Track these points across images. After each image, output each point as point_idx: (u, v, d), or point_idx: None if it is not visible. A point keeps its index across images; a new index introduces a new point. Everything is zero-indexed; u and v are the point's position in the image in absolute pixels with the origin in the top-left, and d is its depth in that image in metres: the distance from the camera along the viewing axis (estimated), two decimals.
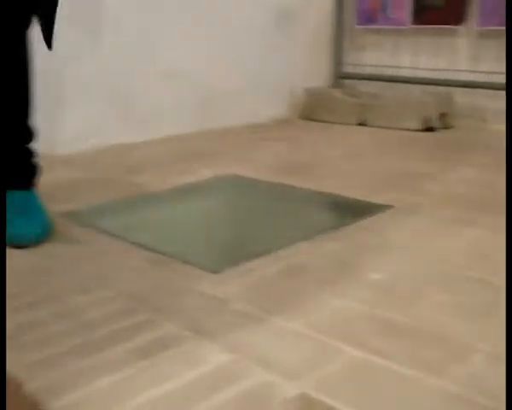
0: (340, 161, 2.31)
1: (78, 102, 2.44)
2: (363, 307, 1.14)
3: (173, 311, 1.14)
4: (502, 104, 2.83)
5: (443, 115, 2.94)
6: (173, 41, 2.65)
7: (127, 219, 1.69)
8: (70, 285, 1.25)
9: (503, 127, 2.75)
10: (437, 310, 1.13)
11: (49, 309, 1.15)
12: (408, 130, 2.86)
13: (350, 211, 1.74)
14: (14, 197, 1.52)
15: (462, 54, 2.98)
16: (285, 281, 1.27)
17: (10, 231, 1.41)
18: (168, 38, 2.64)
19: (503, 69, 2.72)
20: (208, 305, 1.16)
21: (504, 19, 2.66)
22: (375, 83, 3.27)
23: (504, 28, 2.69)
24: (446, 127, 2.93)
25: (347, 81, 3.41)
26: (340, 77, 3.43)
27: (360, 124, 3.07)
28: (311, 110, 3.26)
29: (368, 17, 3.28)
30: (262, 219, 1.69)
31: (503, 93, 2.79)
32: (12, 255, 1.39)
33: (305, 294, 1.20)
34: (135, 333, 1.06)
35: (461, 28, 2.96)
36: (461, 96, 2.97)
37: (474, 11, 2.84)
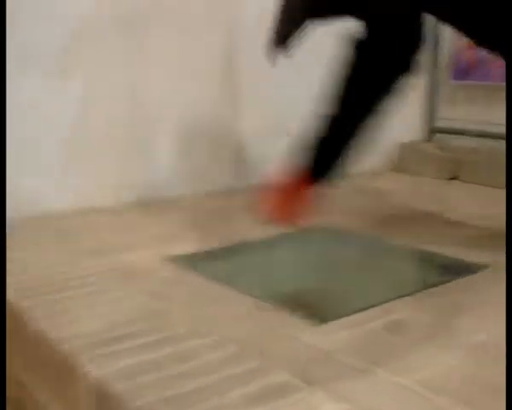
0: (436, 216, 2.32)
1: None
2: (470, 368, 1.16)
3: (282, 359, 1.19)
4: None
5: None
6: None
7: (231, 266, 1.76)
8: (183, 329, 1.32)
9: None
10: None
11: (164, 351, 1.22)
12: (503, 188, 2.83)
13: (447, 269, 1.75)
14: None
15: None
16: (389, 336, 1.30)
17: None
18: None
19: None
20: (316, 355, 1.21)
21: None
22: (468, 138, 3.26)
23: None
24: None
25: (440, 136, 3.42)
26: (434, 131, 3.44)
27: (452, 178, 3.06)
28: (404, 163, 3.28)
29: (464, 72, 3.29)
30: (359, 273, 1.73)
31: None
32: (131, 291, 1.47)
33: (410, 350, 1.23)
34: (248, 379, 1.12)
35: None
36: None
37: None
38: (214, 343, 1.25)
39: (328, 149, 1.71)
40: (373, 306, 1.44)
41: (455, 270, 1.71)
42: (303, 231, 2.06)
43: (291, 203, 1.70)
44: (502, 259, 1.78)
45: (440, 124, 3.44)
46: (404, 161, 3.30)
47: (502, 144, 3.12)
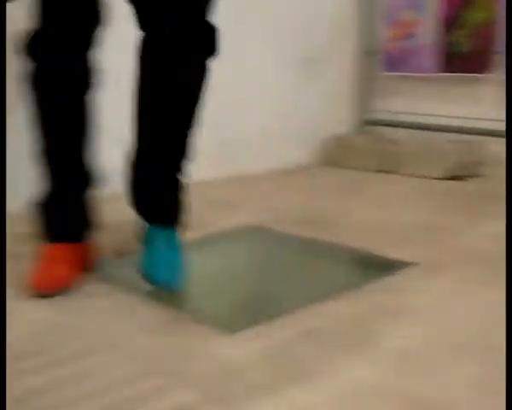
0: (363, 212, 2.27)
1: None
2: (382, 378, 1.10)
3: (188, 376, 1.11)
4: None
5: (471, 164, 2.90)
6: None
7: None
8: (86, 344, 1.23)
9: None
10: (461, 384, 1.09)
11: (64, 371, 1.13)
12: (432, 178, 2.82)
13: (372, 267, 1.71)
14: (158, 234, 1.51)
15: (489, 102, 2.94)
16: (302, 346, 1.23)
17: (145, 268, 1.47)
18: None
19: None
20: (223, 371, 1.13)
21: None
22: (401, 130, 3.24)
23: None
24: (474, 177, 2.89)
25: (373, 128, 3.39)
26: (365, 124, 3.41)
27: (381, 171, 3.03)
28: (334, 156, 3.24)
29: (394, 64, 3.26)
30: (281, 275, 1.66)
31: None
32: (26, 310, 1.37)
33: (321, 362, 1.17)
34: (149, 399, 1.03)
35: (488, 76, 2.93)
36: (491, 146, 2.92)
37: (500, 59, 2.81)
38: (113, 362, 1.16)
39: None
40: (288, 312, 1.37)
41: (382, 268, 1.66)
42: (228, 231, 1.99)
43: (52, 268, 1.51)
44: (431, 254, 1.75)
45: (372, 116, 3.41)
46: (335, 153, 3.26)
47: (434, 135, 3.13)
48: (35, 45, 1.47)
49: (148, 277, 1.47)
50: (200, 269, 1.69)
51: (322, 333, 1.29)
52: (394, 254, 1.75)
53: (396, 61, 3.26)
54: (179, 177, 1.53)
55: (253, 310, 1.42)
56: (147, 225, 1.55)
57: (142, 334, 1.28)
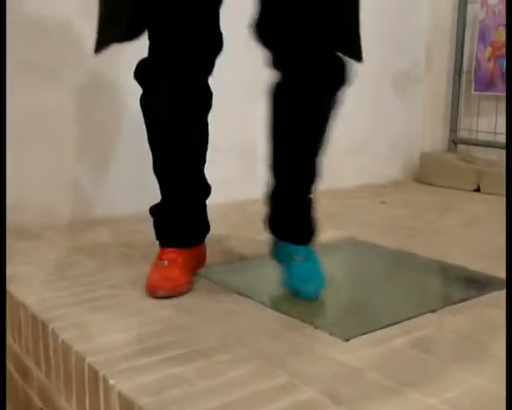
0: (460, 229, 2.30)
1: None
2: (499, 387, 1.15)
3: (310, 376, 1.18)
4: None
5: None
6: None
7: (256, 278, 1.76)
8: (207, 344, 1.32)
9: None
10: None
11: (191, 366, 1.22)
12: None
13: (474, 284, 1.74)
14: (299, 251, 1.62)
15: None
16: (416, 353, 1.29)
17: (294, 283, 1.57)
18: None
19: None
20: (343, 373, 1.20)
21: None
22: (490, 150, 3.24)
23: None
24: None
25: (464, 147, 3.40)
26: (456, 142, 3.42)
27: (475, 190, 3.05)
28: (426, 174, 3.27)
29: (486, 83, 3.27)
30: (385, 288, 1.72)
31: None
32: (145, 308, 1.48)
33: (437, 369, 1.22)
34: (274, 396, 1.11)
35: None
36: None
37: None
38: (241, 359, 1.25)
39: None
40: (398, 321, 1.43)
41: (483, 285, 1.69)
42: (330, 244, 2.06)
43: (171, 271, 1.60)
44: None
45: (462, 135, 3.42)
46: (427, 171, 3.29)
47: None
48: (157, 72, 1.54)
49: (299, 291, 1.56)
50: None
51: (431, 342, 1.34)
52: (494, 272, 1.78)
53: (489, 81, 3.27)
54: (313, 196, 1.65)
55: (362, 319, 1.48)
56: (284, 243, 1.65)
57: (259, 335, 1.36)
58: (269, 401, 1.09)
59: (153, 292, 1.55)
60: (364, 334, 1.37)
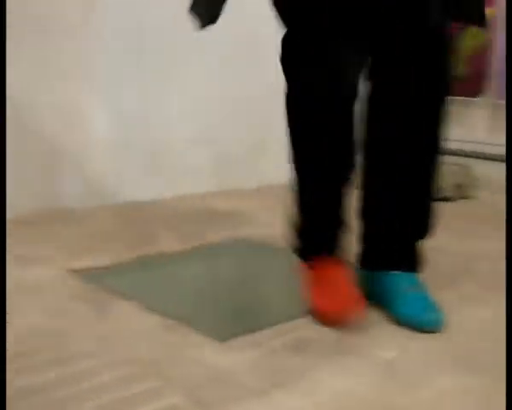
0: None
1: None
2: (368, 389, 1.15)
3: (180, 381, 1.15)
4: None
5: (459, 186, 2.95)
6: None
7: (142, 280, 1.72)
8: (80, 348, 1.27)
9: None
10: (444, 396, 1.13)
11: (55, 372, 1.17)
12: None
13: None
14: (408, 279, 1.50)
15: (479, 125, 3.00)
16: (291, 355, 1.28)
17: (412, 316, 1.41)
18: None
19: None
20: (215, 375, 1.18)
21: None
22: None
23: None
24: (463, 198, 2.94)
25: None
26: None
27: None
28: None
29: None
30: (272, 288, 1.71)
31: None
32: (19, 315, 1.42)
33: (310, 371, 1.21)
34: (141, 402, 1.08)
35: (479, 100, 3.00)
36: (480, 168, 2.98)
37: (492, 84, 2.88)
38: (111, 363, 1.21)
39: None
40: (278, 322, 1.42)
41: None
42: (222, 243, 2.04)
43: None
44: None
45: None
46: None
47: None
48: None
49: (419, 323, 1.40)
50: (191, 278, 1.75)
51: (308, 344, 1.33)
52: None
53: None
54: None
55: (241, 321, 1.46)
56: (382, 274, 1.52)
57: (133, 339, 1.33)
58: (133, 406, 1.06)
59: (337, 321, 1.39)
60: (242, 336, 1.35)
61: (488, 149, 2.92)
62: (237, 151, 2.92)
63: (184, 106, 2.72)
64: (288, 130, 1.53)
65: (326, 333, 1.38)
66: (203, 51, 2.66)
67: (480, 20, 1.46)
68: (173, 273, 1.78)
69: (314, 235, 1.56)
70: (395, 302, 1.45)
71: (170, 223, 2.29)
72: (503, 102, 2.82)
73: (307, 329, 1.41)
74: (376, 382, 1.18)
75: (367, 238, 1.56)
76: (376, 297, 1.51)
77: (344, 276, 1.49)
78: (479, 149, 2.97)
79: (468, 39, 3.03)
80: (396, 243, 1.53)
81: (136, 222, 2.28)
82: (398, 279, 1.49)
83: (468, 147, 3.01)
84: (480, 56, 2.99)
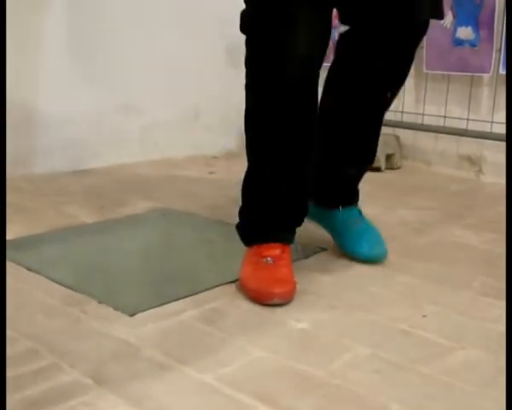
0: None
1: None
2: (280, 359, 1.10)
3: (80, 356, 1.08)
4: (445, 147, 2.85)
5: (389, 156, 2.94)
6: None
7: (51, 253, 1.62)
8: None
9: (446, 170, 2.78)
10: (356, 365, 1.09)
11: None
12: None
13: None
14: (351, 213, 1.65)
15: (409, 97, 2.98)
16: (203, 327, 1.22)
17: (356, 247, 1.58)
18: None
19: (447, 113, 2.76)
20: (119, 351, 1.11)
21: (449, 65, 2.69)
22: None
23: (449, 74, 2.73)
24: (393, 168, 2.93)
25: None
26: None
27: None
28: None
29: None
30: (190, 258, 1.63)
31: (448, 137, 2.82)
32: None
33: (221, 343, 1.15)
34: (34, 380, 1.00)
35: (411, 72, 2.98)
36: (409, 138, 2.98)
37: (422, 56, 2.85)
38: (11, 339, 1.12)
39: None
40: (192, 293, 1.35)
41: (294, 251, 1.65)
42: (142, 214, 1.97)
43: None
44: None
45: None
46: None
47: None
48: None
49: (362, 254, 1.57)
50: (106, 251, 1.66)
51: (222, 315, 1.27)
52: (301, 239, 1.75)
53: None
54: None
55: (154, 293, 1.38)
56: (330, 209, 1.65)
57: (38, 315, 1.24)
58: (28, 385, 0.99)
59: (266, 300, 1.32)
60: (153, 308, 1.28)
61: (417, 120, 2.91)
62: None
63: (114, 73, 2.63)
64: (249, 93, 1.53)
65: (242, 302, 1.33)
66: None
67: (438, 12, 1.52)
68: (88, 246, 1.69)
69: (263, 225, 1.48)
70: (346, 237, 1.62)
71: (93, 194, 2.20)
72: (431, 71, 2.82)
73: (224, 298, 1.35)
74: (291, 352, 1.13)
75: (320, 180, 1.63)
76: (329, 230, 1.68)
77: (282, 259, 1.42)
78: (408, 119, 2.95)
79: None
80: (346, 184, 1.67)
81: (52, 194, 2.18)
82: (347, 215, 1.64)
83: (397, 117, 2.99)
84: None
